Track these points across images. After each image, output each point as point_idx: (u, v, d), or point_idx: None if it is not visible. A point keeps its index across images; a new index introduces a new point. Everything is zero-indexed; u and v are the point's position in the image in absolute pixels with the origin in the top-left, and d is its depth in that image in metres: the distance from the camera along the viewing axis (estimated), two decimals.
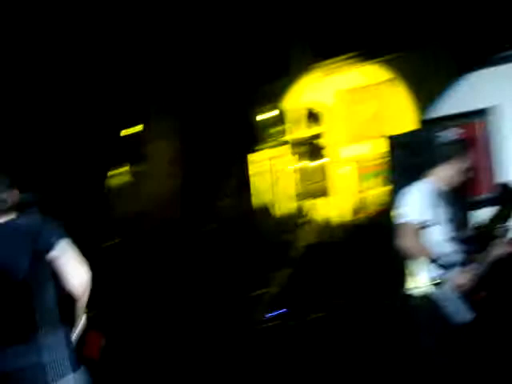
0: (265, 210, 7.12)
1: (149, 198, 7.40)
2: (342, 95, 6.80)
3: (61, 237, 2.43)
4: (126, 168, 7.01)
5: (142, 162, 7.29)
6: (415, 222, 3.49)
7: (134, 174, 7.34)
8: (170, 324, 4.92)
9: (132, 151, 7.15)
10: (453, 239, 3.49)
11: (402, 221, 3.60)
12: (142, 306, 5.59)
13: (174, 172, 7.98)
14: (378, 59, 6.48)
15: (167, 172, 7.91)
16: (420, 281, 3.53)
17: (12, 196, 2.38)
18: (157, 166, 7.77)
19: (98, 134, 7.05)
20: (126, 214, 7.13)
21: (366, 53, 6.54)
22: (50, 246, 2.39)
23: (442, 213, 3.41)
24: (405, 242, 3.52)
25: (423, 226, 3.51)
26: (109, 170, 7.05)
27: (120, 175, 6.94)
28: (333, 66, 6.88)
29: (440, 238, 3.44)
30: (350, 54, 6.69)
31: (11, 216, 2.35)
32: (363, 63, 6.60)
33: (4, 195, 2.34)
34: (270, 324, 4.86)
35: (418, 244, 3.48)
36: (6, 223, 2.41)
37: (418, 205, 3.49)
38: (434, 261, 3.28)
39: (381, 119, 6.51)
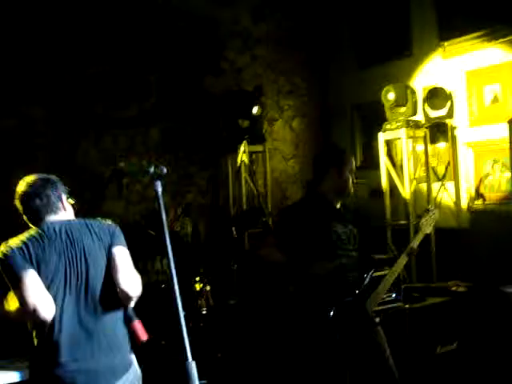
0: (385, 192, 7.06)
1: (271, 177, 7.51)
2: (466, 76, 6.57)
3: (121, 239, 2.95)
4: (248, 148, 7.12)
5: (263, 142, 7.40)
6: None
7: (255, 153, 7.46)
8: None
9: (253, 131, 7.25)
10: None
11: None
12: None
13: (295, 152, 8.06)
14: (504, 39, 6.20)
15: (289, 152, 7.99)
16: None
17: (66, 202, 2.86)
18: (279, 146, 7.87)
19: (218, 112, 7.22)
20: (248, 194, 7.27)
21: (492, 32, 6.28)
22: (114, 243, 2.87)
23: None
24: None
25: None
26: (231, 149, 7.21)
27: (242, 155, 7.07)
28: (457, 45, 6.65)
29: None
30: (476, 34, 6.43)
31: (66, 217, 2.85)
32: (488, 43, 6.34)
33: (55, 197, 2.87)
34: (385, 307, 4.84)
35: None
36: (78, 221, 2.90)
37: None
38: None
39: (504, 102, 6.25)
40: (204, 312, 5.31)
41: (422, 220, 4.22)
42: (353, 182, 3.99)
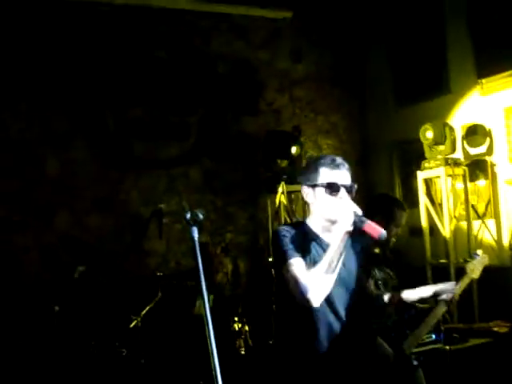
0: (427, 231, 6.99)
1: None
2: (504, 112, 6.55)
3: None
4: (287, 187, 7.16)
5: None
6: None
7: (294, 193, 7.48)
8: None
9: (292, 170, 7.29)
10: None
11: None
12: None
13: None
14: None
15: None
16: None
17: None
18: None
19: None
20: None
21: None
22: None
23: None
24: None
25: None
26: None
27: (280, 195, 7.12)
28: (495, 82, 6.64)
29: None
30: None
31: None
32: None
33: None
34: (424, 348, 4.78)
35: None
36: None
37: None
38: None
39: None
40: (243, 352, 5.31)
41: (469, 264, 4.08)
42: (396, 234, 3.92)
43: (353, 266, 2.96)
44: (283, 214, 7.13)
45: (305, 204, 7.27)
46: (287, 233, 2.87)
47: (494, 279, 6.22)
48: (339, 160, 2.90)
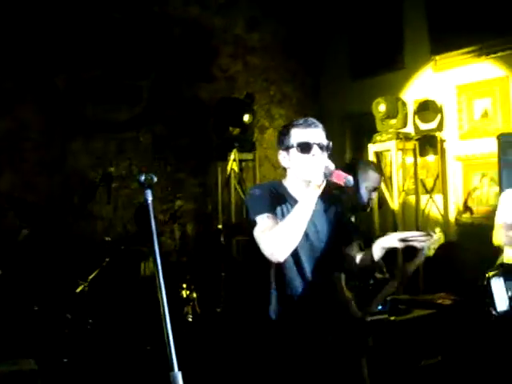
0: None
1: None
2: (456, 90, 6.62)
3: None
4: (238, 155, 7.12)
5: (254, 150, 7.37)
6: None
7: (245, 161, 7.44)
8: None
9: (244, 139, 7.24)
10: None
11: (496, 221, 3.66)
12: None
13: None
14: (494, 54, 6.25)
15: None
16: None
17: None
18: (269, 154, 7.85)
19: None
20: (237, 202, 7.24)
21: (483, 47, 6.33)
22: None
23: None
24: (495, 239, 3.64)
25: None
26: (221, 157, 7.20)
27: (232, 163, 7.07)
28: (449, 59, 6.71)
29: None
30: (467, 49, 6.48)
31: None
32: (479, 58, 6.39)
33: None
34: (373, 318, 4.84)
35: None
36: None
37: None
38: None
39: (494, 117, 6.30)
40: (190, 319, 5.30)
41: (426, 243, 4.14)
42: (370, 199, 3.91)
43: (325, 229, 2.97)
44: (233, 182, 7.09)
45: (255, 172, 7.28)
46: (260, 191, 2.89)
47: (439, 253, 6.34)
48: (311, 120, 2.89)
